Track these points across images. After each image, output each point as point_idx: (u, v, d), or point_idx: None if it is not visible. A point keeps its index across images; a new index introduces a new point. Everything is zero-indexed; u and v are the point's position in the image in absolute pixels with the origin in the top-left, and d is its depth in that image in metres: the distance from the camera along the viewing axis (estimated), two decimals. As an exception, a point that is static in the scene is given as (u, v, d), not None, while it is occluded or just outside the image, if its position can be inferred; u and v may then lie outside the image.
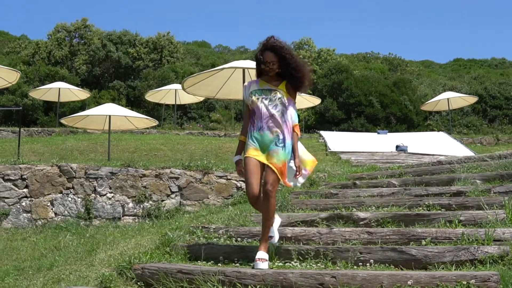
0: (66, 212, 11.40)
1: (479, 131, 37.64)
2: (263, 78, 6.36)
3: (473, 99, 34.84)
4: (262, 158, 6.13)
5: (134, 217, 11.31)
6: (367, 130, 34.91)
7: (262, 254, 6.02)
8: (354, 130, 35.09)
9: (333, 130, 32.83)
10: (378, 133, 29.37)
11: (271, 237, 6.32)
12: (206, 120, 38.91)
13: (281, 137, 6.15)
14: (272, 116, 6.15)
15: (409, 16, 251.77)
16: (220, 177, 11.45)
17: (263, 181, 6.13)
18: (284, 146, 6.16)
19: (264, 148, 6.14)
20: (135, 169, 11.58)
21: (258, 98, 6.20)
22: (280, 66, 6.23)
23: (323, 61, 48.41)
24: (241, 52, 78.37)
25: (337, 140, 25.15)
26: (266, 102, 6.18)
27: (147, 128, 25.44)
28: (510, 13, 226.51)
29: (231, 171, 11.56)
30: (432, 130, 35.46)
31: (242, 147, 6.39)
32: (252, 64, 15.64)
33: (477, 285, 5.22)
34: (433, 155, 20.96)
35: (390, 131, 31.74)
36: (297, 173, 6.22)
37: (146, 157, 18.81)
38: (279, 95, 6.20)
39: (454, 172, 10.21)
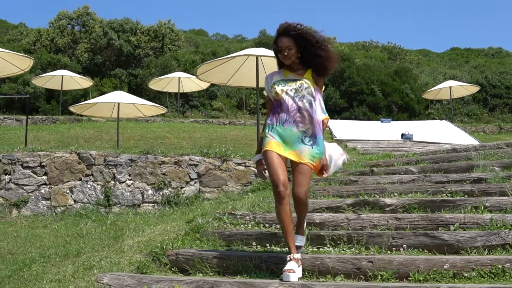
0: (85, 199, 11.47)
1: (480, 120, 37.71)
2: (285, 68, 5.74)
3: (475, 88, 34.91)
4: (285, 153, 5.48)
5: (153, 204, 11.38)
6: (368, 119, 34.99)
7: (292, 265, 5.33)
8: (356, 118, 35.18)
9: (335, 119, 32.88)
10: (382, 121, 29.48)
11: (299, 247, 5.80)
12: (208, 108, 38.90)
13: (309, 133, 5.52)
14: (299, 109, 5.53)
15: (405, 4, 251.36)
16: (239, 164, 11.52)
17: (294, 190, 5.45)
18: (315, 143, 5.53)
19: (287, 144, 5.50)
20: (154, 156, 11.65)
21: (282, 90, 5.59)
22: (299, 50, 5.59)
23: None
24: (239, 40, 78.34)
25: (342, 128, 25.25)
26: (292, 93, 5.57)
27: (153, 116, 25.51)
28: (506, 2, 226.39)
29: (249, 158, 11.64)
30: (434, 118, 35.54)
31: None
32: (266, 51, 15.70)
33: (512, 269, 5.33)
34: (438, 143, 21.09)
35: (392, 120, 31.83)
36: (324, 172, 5.63)
37: (152, 145, 18.86)
38: (305, 85, 5.58)
39: (471, 159, 10.29)
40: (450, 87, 32.95)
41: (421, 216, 6.96)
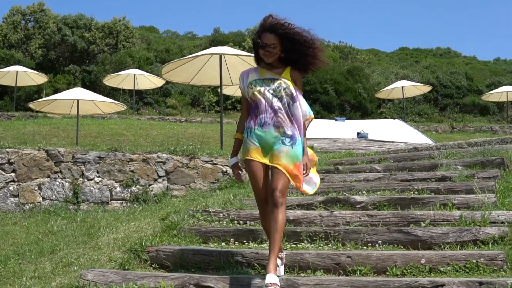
0: (54, 196, 11.43)
1: (431, 119, 38.47)
2: (262, 65, 5.44)
3: (427, 88, 35.56)
4: (266, 160, 5.25)
5: (122, 201, 11.40)
6: (322, 117, 35.29)
7: (272, 278, 4.86)
8: (310, 117, 35.45)
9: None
10: (336, 120, 29.76)
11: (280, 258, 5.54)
12: (162, 106, 38.90)
13: (289, 133, 5.23)
14: (277, 110, 5.26)
15: (354, 3, 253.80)
16: (206, 161, 11.61)
17: (270, 187, 5.20)
18: (294, 144, 5.24)
19: (267, 148, 5.25)
20: (123, 154, 11.67)
21: (259, 91, 5.30)
22: (282, 49, 5.29)
23: (277, 48, 48.53)
24: (189, 37, 78.38)
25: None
26: (270, 94, 5.28)
27: (110, 113, 25.40)
28: (453, 2, 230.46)
29: (217, 156, 11.75)
30: (386, 117, 36.09)
31: (238, 146, 5.51)
32: (229, 50, 15.84)
33: (485, 263, 5.57)
34: (393, 142, 21.44)
35: (346, 119, 32.19)
36: (304, 172, 5.30)
37: (109, 142, 18.82)
38: (284, 85, 5.29)
39: (433, 158, 10.57)
40: (402, 87, 33.48)
41: (392, 213, 7.17)
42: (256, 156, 5.27)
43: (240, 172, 5.56)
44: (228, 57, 15.84)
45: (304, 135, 5.40)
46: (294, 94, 5.31)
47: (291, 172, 5.19)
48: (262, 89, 5.32)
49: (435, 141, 22.30)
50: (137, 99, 38.01)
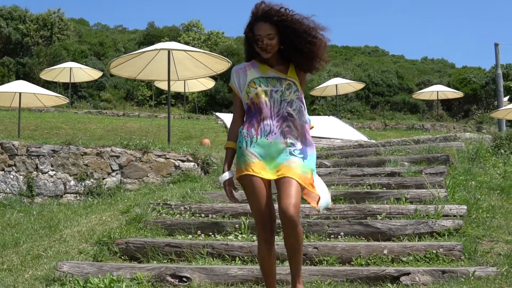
0: (8, 189, 11.35)
1: (363, 116, 39.23)
2: (260, 60, 4.52)
3: (360, 86, 36.32)
4: (270, 175, 4.36)
5: (75, 195, 11.41)
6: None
7: None
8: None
9: (223, 112, 33.35)
10: (272, 116, 30.08)
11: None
12: (96, 99, 38.68)
13: (298, 145, 4.39)
14: (286, 117, 4.39)
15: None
16: (159, 156, 11.72)
17: (281, 204, 4.29)
18: (304, 158, 4.40)
19: (272, 162, 4.36)
20: (77, 147, 11.67)
21: (265, 91, 4.40)
22: (281, 40, 4.41)
23: (213, 44, 48.89)
24: (120, 31, 77.91)
25: (235, 122, 25.66)
26: (279, 96, 4.39)
27: (47, 106, 25.14)
28: (381, 1, 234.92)
29: (169, 150, 11.90)
30: (319, 114, 36.67)
31: (232, 158, 4.54)
32: (177, 45, 16.00)
33: (444, 254, 5.96)
34: (330, 138, 21.85)
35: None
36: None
37: (48, 135, 18.74)
38: (294, 86, 4.43)
39: (380, 154, 10.95)
40: (336, 84, 34.08)
41: (349, 206, 7.48)
42: (260, 171, 4.33)
43: (234, 190, 4.49)
44: (176, 53, 16.00)
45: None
46: (303, 98, 4.51)
47: (309, 180, 4.37)
48: (268, 89, 4.41)
49: (370, 138, 22.87)
50: (72, 93, 37.68)
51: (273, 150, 4.35)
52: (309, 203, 4.54)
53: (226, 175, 4.45)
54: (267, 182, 4.37)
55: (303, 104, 4.49)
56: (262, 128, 4.37)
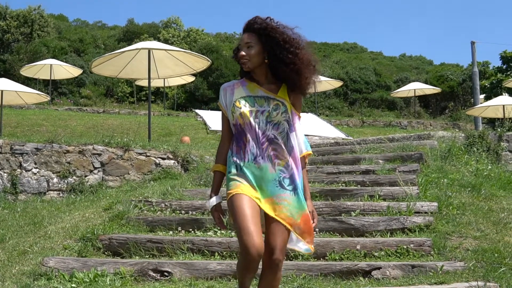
0: (-8, 186, 11.54)
1: (341, 113, 39.49)
2: (252, 79, 4.22)
3: (338, 83, 36.65)
4: (262, 204, 4.00)
5: (58, 192, 11.58)
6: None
7: None
8: (223, 109, 36.00)
9: (203, 109, 33.50)
10: (251, 113, 30.27)
11: None
12: (77, 96, 38.61)
13: (288, 171, 4.07)
14: (272, 139, 4.08)
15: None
16: (140, 153, 11.92)
17: (267, 245, 3.94)
18: (296, 188, 4.07)
19: (261, 188, 4.03)
20: (59, 145, 11.83)
21: (251, 111, 4.07)
22: (265, 52, 4.11)
23: (192, 41, 49.01)
24: (99, 27, 77.71)
25: (214, 119, 25.87)
26: (264, 117, 4.08)
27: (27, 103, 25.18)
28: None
29: (150, 148, 12.10)
30: (298, 111, 36.95)
31: (220, 182, 4.21)
32: (157, 44, 16.25)
33: (415, 249, 6.25)
34: (307, 135, 22.11)
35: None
36: (313, 222, 4.15)
37: (29, 133, 18.81)
38: (282, 107, 4.10)
39: (355, 152, 11.25)
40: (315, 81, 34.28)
41: (324, 203, 7.74)
42: (250, 192, 3.97)
43: (222, 216, 4.15)
44: (156, 52, 16.22)
45: (304, 175, 4.23)
46: (291, 121, 4.16)
47: (298, 225, 4.02)
48: (253, 109, 4.09)
49: (347, 135, 23.25)
50: (52, 89, 37.67)
51: (264, 175, 4.02)
52: None
53: (214, 201, 4.10)
54: (258, 206, 3.98)
55: (292, 127, 4.15)
56: (249, 152, 4.05)
